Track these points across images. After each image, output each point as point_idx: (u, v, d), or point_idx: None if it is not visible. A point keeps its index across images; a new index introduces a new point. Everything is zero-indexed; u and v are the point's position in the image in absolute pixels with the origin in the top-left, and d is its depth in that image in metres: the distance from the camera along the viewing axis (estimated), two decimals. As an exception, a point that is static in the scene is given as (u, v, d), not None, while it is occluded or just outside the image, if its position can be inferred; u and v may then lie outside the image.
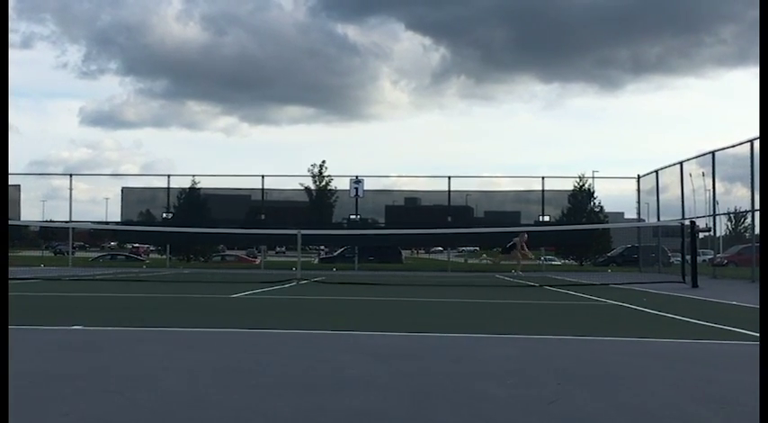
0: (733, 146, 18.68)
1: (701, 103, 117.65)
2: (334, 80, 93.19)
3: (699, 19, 78.36)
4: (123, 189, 29.14)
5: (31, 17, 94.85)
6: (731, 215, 21.68)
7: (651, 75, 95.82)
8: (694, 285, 13.56)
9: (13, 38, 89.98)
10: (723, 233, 22.95)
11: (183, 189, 28.83)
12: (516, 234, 22.09)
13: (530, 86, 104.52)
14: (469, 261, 39.33)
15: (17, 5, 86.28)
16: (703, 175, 21.34)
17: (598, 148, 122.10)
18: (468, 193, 29.00)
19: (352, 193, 26.79)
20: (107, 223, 31.01)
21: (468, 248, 41.72)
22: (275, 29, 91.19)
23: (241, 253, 38.94)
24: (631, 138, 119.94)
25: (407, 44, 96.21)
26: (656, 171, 24.83)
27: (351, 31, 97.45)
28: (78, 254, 36.40)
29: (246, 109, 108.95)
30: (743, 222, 23.58)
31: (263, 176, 27.62)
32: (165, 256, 29.21)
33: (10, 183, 25.82)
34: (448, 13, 79.76)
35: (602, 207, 30.47)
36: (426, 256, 46.90)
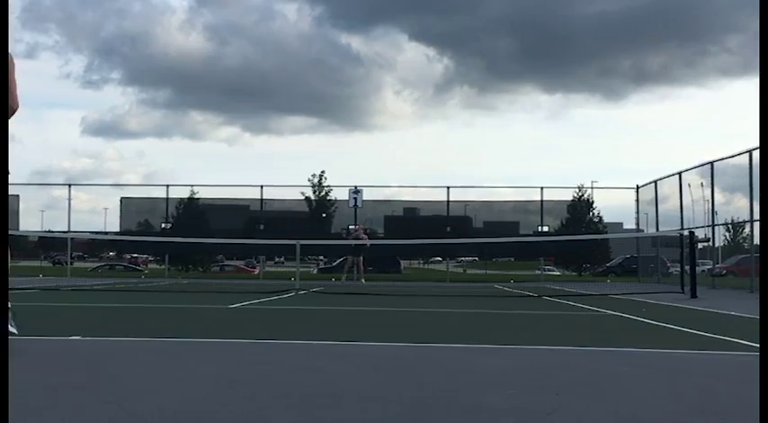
0: (732, 156, 18.72)
1: (702, 113, 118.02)
2: (338, 90, 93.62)
3: (704, 29, 78.75)
4: (122, 199, 29.15)
5: (35, 27, 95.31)
6: (729, 225, 21.70)
7: (654, 85, 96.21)
8: (693, 296, 13.55)
9: (17, 48, 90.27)
10: (722, 243, 22.97)
11: (182, 199, 28.83)
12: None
13: (533, 97, 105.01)
14: (469, 271, 39.30)
15: (22, 15, 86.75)
16: (702, 186, 21.37)
17: (599, 158, 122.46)
18: (467, 203, 29.05)
19: (351, 204, 26.80)
20: (106, 233, 31.00)
21: (466, 259, 41.71)
22: (279, 39, 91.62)
23: (240, 263, 38.89)
24: (633, 148, 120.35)
25: (411, 54, 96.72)
26: (655, 181, 24.86)
27: (355, 42, 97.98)
28: (77, 264, 36.33)
29: (249, 119, 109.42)
30: (741, 232, 23.61)
31: (261, 187, 27.65)
32: (163, 267, 29.18)
33: (9, 193, 25.79)
34: (452, 23, 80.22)
35: (601, 217, 30.54)
36: (425, 266, 46.83)
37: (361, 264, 23.29)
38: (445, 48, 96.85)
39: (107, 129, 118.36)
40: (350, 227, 25.09)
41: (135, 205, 29.12)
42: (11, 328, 4.59)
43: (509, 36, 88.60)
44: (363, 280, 22.49)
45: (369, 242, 22.57)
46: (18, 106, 4.71)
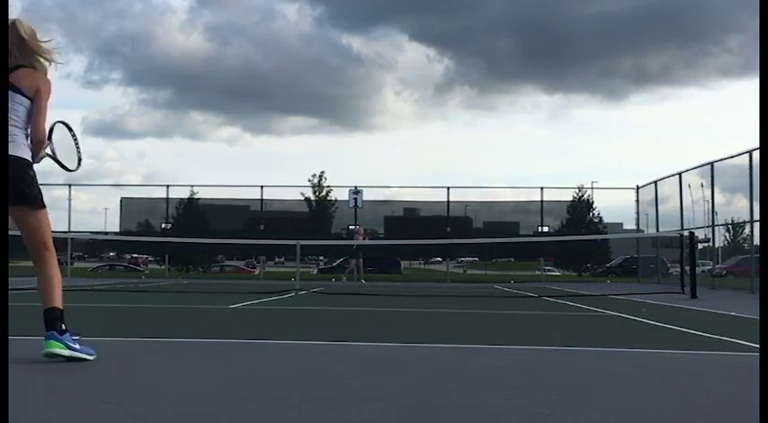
0: (731, 156, 18.72)
1: (703, 113, 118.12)
2: (338, 91, 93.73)
3: (705, 29, 78.87)
4: (122, 199, 29.17)
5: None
6: (730, 226, 21.71)
7: (655, 86, 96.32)
8: (693, 296, 13.55)
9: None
10: (722, 244, 22.97)
11: (182, 199, 28.83)
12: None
13: (533, 97, 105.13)
14: (469, 272, 39.30)
15: (22, 15, 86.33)
16: (702, 186, 21.38)
17: (600, 158, 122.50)
18: (467, 203, 29.05)
19: (351, 204, 26.80)
20: (106, 234, 30.99)
21: (466, 259, 41.72)
22: (279, 39, 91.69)
23: (240, 263, 38.89)
24: (633, 148, 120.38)
25: (411, 55, 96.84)
26: (656, 182, 24.84)
27: (355, 42, 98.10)
28: (77, 264, 36.32)
29: (249, 119, 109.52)
30: (741, 233, 23.61)
31: (261, 187, 27.65)
32: (163, 267, 29.18)
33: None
34: (452, 23, 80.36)
35: (601, 218, 30.53)
36: (426, 267, 46.83)
37: (361, 264, 23.33)
38: (446, 48, 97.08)
39: (107, 129, 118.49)
40: (350, 227, 25.11)
41: (135, 205, 29.13)
42: (81, 355, 4.25)
43: (509, 36, 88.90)
44: (363, 280, 22.52)
45: (366, 242, 22.64)
46: (44, 139, 4.40)
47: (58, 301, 4.33)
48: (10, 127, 4.27)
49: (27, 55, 4.41)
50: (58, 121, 4.70)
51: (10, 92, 4.31)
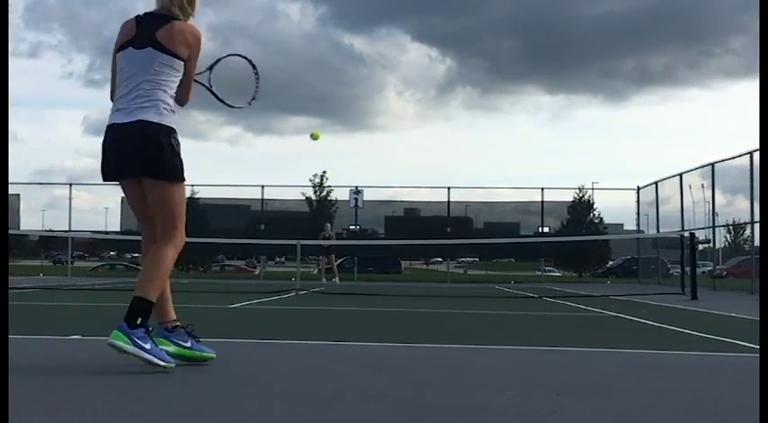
0: (732, 158, 18.71)
1: (704, 114, 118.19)
2: (341, 91, 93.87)
3: (708, 30, 79.02)
4: (123, 199, 29.10)
5: (38, 26, 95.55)
6: (730, 227, 21.71)
7: (657, 86, 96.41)
8: (694, 297, 13.55)
9: (20, 47, 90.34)
10: (722, 245, 22.97)
11: (183, 199, 28.83)
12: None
13: (536, 98, 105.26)
14: (469, 272, 39.29)
15: (25, 15, 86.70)
16: (703, 187, 21.37)
17: (601, 159, 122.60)
18: (467, 203, 29.02)
19: (352, 204, 26.79)
20: (107, 233, 30.98)
21: (467, 259, 41.73)
22: (282, 39, 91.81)
23: (240, 263, 38.89)
24: (634, 149, 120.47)
25: (414, 55, 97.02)
26: (656, 182, 24.83)
27: (357, 42, 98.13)
28: (77, 263, 36.34)
29: (251, 119, 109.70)
30: (742, 234, 23.62)
31: (262, 187, 27.66)
32: (163, 266, 29.14)
33: (10, 192, 25.81)
34: (455, 24, 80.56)
35: (601, 218, 30.51)
36: (425, 267, 46.82)
37: (333, 262, 23.53)
38: (448, 48, 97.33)
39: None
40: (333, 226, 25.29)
41: (136, 205, 29.09)
42: (147, 357, 3.87)
43: (512, 37, 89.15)
44: (337, 279, 22.78)
45: (334, 242, 22.86)
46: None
47: (145, 291, 4.06)
48: (145, 91, 3.95)
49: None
50: (235, 55, 4.33)
51: (156, 51, 3.96)
